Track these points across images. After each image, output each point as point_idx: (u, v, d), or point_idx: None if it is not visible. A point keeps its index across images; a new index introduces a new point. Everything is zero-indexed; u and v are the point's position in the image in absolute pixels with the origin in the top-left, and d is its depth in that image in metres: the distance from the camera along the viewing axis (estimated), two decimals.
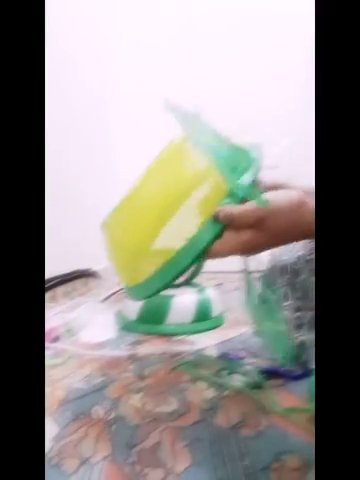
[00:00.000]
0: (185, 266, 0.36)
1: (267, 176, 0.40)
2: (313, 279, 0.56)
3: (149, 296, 0.40)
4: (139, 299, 0.42)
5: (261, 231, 0.34)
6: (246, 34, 1.64)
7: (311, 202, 0.34)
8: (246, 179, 0.37)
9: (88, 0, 1.33)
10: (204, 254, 0.35)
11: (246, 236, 0.34)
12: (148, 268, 0.38)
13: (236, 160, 0.39)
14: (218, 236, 0.35)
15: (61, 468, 0.37)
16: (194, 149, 0.40)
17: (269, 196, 0.35)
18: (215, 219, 0.35)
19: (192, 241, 0.35)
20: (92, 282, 1.21)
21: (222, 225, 0.35)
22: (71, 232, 1.13)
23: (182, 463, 0.37)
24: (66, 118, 1.17)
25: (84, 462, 0.38)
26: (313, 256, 0.56)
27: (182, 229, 0.36)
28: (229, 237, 0.35)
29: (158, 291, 0.39)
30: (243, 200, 0.36)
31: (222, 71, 1.65)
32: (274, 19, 1.62)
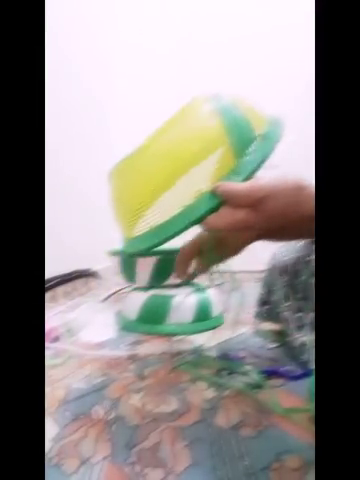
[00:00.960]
0: (176, 231, 0.36)
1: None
2: (313, 280, 0.56)
3: (139, 252, 0.41)
4: (130, 253, 0.43)
5: (257, 211, 0.34)
6: (246, 34, 1.64)
7: (310, 188, 0.34)
8: (254, 158, 0.36)
9: (88, 1, 1.33)
10: (197, 223, 0.36)
11: (241, 214, 0.35)
12: (145, 224, 0.39)
13: (252, 136, 0.38)
14: (214, 209, 0.35)
15: (61, 468, 0.37)
16: (214, 113, 0.39)
17: (269, 178, 0.35)
18: (213, 192, 0.35)
19: (187, 209, 0.36)
20: (92, 282, 1.21)
21: (219, 200, 0.35)
22: (71, 232, 1.13)
23: (182, 463, 0.37)
24: (66, 118, 1.17)
25: (84, 462, 0.38)
26: (313, 257, 0.56)
27: (182, 195, 0.37)
28: (225, 212, 0.35)
29: (148, 249, 0.39)
30: (246, 179, 0.36)
31: (222, 71, 1.65)
32: (274, 19, 1.62)
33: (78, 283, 1.15)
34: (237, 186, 0.34)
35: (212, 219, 0.36)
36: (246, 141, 0.37)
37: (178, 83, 1.58)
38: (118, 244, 0.57)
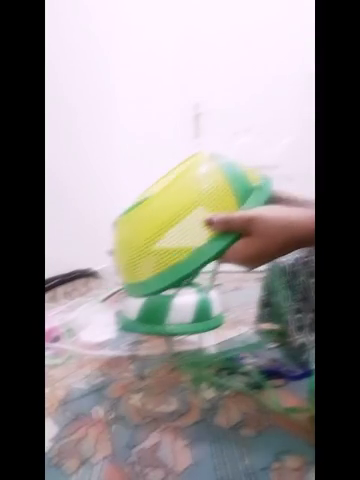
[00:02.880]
0: (187, 274, 0.39)
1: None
2: (312, 281, 0.56)
3: (148, 294, 0.42)
4: (138, 296, 0.45)
5: (253, 237, 0.37)
6: (247, 35, 1.64)
7: (293, 200, 0.37)
8: (254, 205, 0.40)
9: (88, 2, 1.33)
10: (209, 263, 0.39)
11: (239, 245, 0.38)
12: (150, 267, 0.41)
13: (250, 187, 0.43)
14: (223, 252, 0.38)
15: (61, 468, 0.37)
16: (216, 168, 0.43)
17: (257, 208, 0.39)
18: (209, 223, 0.38)
19: (198, 252, 0.39)
20: (92, 282, 1.21)
21: (227, 242, 0.38)
22: (71, 232, 1.13)
23: (182, 463, 0.37)
24: (66, 119, 1.17)
25: (84, 462, 0.38)
26: (310, 258, 0.57)
27: (188, 236, 0.39)
28: (238, 247, 0.38)
29: (157, 292, 0.41)
30: None
31: (223, 72, 1.65)
32: (274, 19, 1.62)
33: (78, 283, 1.15)
34: (229, 212, 0.39)
35: (229, 255, 0.38)
36: (246, 191, 0.42)
37: (179, 83, 1.58)
38: None
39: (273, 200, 0.43)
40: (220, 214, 0.38)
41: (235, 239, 0.38)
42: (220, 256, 0.38)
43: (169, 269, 0.39)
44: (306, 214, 0.35)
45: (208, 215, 0.39)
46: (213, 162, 0.45)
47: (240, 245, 0.38)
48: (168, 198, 0.43)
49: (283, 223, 0.36)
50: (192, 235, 0.39)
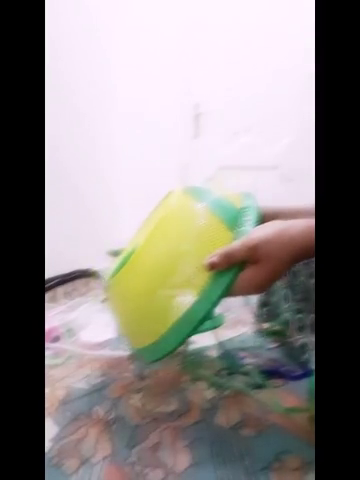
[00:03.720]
0: (200, 320, 0.36)
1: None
2: (312, 282, 0.56)
3: (166, 355, 0.38)
4: (152, 361, 0.40)
5: (260, 263, 0.35)
6: (247, 35, 1.64)
7: (291, 221, 0.36)
8: (248, 227, 0.39)
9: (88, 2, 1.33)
10: (216, 305, 0.36)
11: (247, 275, 0.36)
12: (157, 328, 0.38)
13: (236, 210, 0.41)
14: (230, 285, 0.36)
15: (61, 468, 0.37)
16: (197, 204, 0.42)
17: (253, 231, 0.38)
18: (212, 266, 0.36)
19: (204, 295, 0.36)
20: (92, 282, 1.21)
21: (232, 277, 0.36)
22: (71, 232, 1.13)
23: (182, 463, 0.37)
24: (66, 118, 1.17)
25: (84, 462, 0.38)
26: (310, 259, 0.57)
27: (189, 281, 0.37)
28: (245, 277, 0.36)
29: (174, 349, 0.37)
30: None
31: (223, 71, 1.65)
32: (274, 19, 1.62)
33: (78, 283, 1.15)
34: (231, 245, 0.37)
35: (238, 286, 0.36)
36: (235, 216, 0.40)
37: (179, 83, 1.58)
38: (118, 244, 0.57)
39: (264, 215, 0.42)
40: (220, 250, 0.36)
41: (240, 269, 0.36)
42: (229, 291, 0.36)
43: (179, 321, 0.36)
44: (306, 225, 0.34)
45: (206, 256, 0.36)
46: (189, 197, 0.43)
47: (248, 274, 0.36)
48: (157, 246, 0.40)
49: (285, 240, 0.35)
50: (193, 278, 0.37)
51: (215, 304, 0.36)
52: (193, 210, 0.41)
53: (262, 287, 0.36)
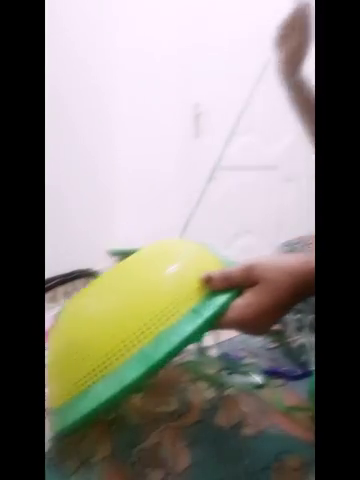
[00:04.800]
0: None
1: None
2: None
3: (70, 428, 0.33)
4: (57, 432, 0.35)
5: (258, 286, 0.32)
6: (247, 35, 1.64)
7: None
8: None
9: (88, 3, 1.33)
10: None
11: (246, 300, 0.33)
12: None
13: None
14: (221, 311, 0.33)
15: (61, 468, 0.37)
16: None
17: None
18: (207, 281, 0.34)
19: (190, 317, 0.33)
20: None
21: (227, 298, 0.33)
22: (71, 232, 1.13)
23: (182, 463, 0.37)
24: (66, 122, 1.17)
25: (84, 462, 0.38)
26: None
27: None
28: (238, 306, 0.33)
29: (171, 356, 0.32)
30: None
31: (223, 71, 1.65)
32: (274, 19, 1.62)
33: (78, 283, 1.15)
34: (227, 268, 0.35)
35: (231, 316, 0.33)
36: (223, 256, 0.40)
37: (180, 83, 1.58)
38: (118, 244, 0.57)
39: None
40: (217, 272, 0.34)
41: (235, 295, 0.33)
42: (217, 318, 0.32)
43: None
44: (308, 260, 0.32)
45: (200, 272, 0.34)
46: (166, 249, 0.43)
47: (243, 301, 0.33)
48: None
49: (287, 270, 0.32)
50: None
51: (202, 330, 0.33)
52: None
53: (263, 315, 0.32)
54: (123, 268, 0.41)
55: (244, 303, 0.33)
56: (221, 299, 0.33)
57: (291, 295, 0.32)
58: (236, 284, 0.33)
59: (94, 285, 0.42)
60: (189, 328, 0.31)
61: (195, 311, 0.33)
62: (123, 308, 0.34)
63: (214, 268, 0.36)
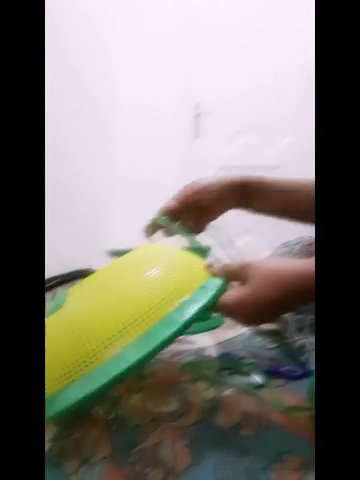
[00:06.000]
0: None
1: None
2: None
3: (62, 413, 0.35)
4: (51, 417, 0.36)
5: (249, 281, 0.36)
6: (247, 35, 1.64)
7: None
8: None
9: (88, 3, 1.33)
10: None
11: (233, 290, 0.38)
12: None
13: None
14: (215, 298, 0.37)
15: (61, 468, 0.37)
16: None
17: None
18: (210, 271, 0.41)
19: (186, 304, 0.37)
20: None
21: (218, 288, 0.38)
22: (71, 232, 1.13)
23: (182, 463, 0.37)
24: (68, 119, 1.17)
25: (84, 462, 0.38)
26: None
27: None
28: (231, 293, 0.38)
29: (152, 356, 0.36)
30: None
31: (223, 71, 1.65)
32: (275, 19, 1.62)
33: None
34: (227, 263, 0.41)
35: (223, 302, 0.38)
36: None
37: (180, 84, 1.58)
38: (118, 244, 0.57)
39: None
40: (219, 265, 0.41)
41: (225, 285, 0.38)
42: (212, 303, 0.37)
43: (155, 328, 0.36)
44: (307, 265, 0.34)
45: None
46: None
47: (235, 291, 0.37)
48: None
49: (279, 272, 0.35)
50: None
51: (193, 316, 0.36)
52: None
53: (248, 311, 0.37)
54: (108, 271, 0.45)
55: (231, 292, 0.38)
56: (197, 305, 0.36)
57: (280, 295, 0.35)
58: (231, 275, 0.39)
59: (86, 283, 0.47)
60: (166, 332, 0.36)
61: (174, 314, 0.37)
62: (107, 309, 0.38)
63: (198, 273, 0.40)
